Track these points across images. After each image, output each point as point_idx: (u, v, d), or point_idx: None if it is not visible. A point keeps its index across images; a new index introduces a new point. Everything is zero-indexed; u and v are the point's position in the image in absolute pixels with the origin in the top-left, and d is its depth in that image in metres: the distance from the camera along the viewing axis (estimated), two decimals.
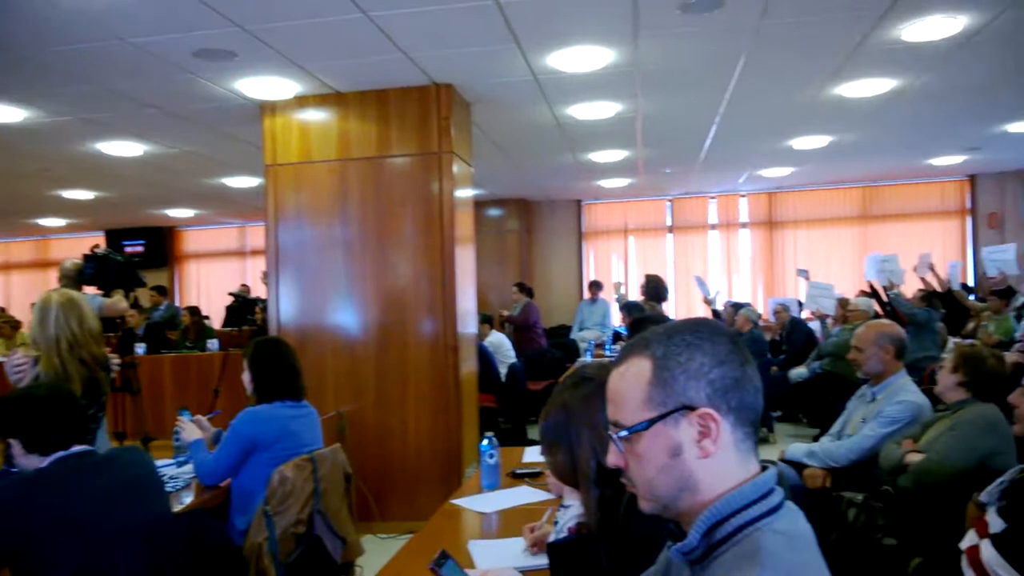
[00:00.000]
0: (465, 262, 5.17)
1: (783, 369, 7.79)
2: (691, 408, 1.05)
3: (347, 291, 5.07)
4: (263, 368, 3.02)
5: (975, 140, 7.71)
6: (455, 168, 5.01)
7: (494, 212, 10.84)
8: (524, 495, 2.75)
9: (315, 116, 5.10)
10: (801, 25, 4.10)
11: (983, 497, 2.20)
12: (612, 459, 1.11)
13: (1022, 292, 7.55)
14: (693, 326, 1.11)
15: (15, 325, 8.31)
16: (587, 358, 8.17)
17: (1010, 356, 3.98)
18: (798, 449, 3.67)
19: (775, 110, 6.02)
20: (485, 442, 2.91)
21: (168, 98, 5.08)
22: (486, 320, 7.24)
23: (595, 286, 10.20)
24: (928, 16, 3.99)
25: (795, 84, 5.28)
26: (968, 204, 10.21)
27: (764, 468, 1.08)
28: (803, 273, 9.25)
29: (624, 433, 1.08)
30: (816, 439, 5.68)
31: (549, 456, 1.73)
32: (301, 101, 5.10)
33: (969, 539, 2.16)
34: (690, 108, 5.89)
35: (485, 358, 6.60)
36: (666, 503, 1.09)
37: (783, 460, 3.71)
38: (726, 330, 1.14)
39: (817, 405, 6.63)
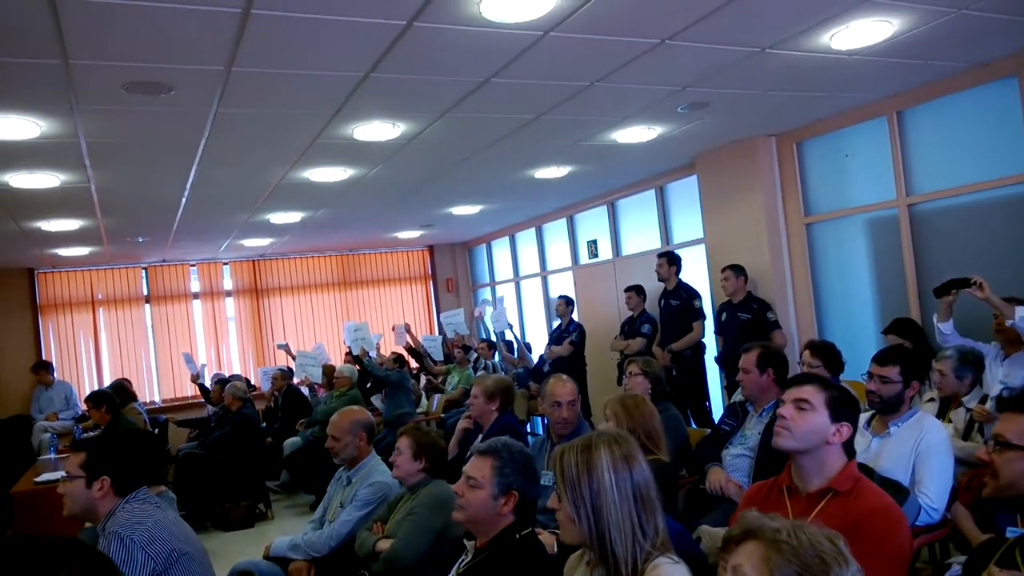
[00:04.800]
0: None
1: (279, 438, 7.70)
2: None
3: None
4: None
5: (427, 219, 8.82)
6: None
7: None
8: None
9: None
10: (259, 116, 4.11)
11: None
12: None
13: (474, 349, 8.93)
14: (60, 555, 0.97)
15: None
16: (51, 455, 6.98)
17: (462, 422, 4.46)
18: (282, 544, 3.59)
19: (245, 188, 5.95)
20: None
21: None
22: None
23: (43, 368, 8.85)
24: (373, 121, 4.38)
25: (261, 166, 5.29)
26: (429, 271, 11.65)
27: None
28: (283, 346, 9.41)
29: None
30: (313, 507, 5.66)
31: None
32: None
33: None
34: (153, 182, 5.45)
35: None
36: None
37: (268, 558, 3.59)
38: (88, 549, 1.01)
39: (312, 473, 6.65)
